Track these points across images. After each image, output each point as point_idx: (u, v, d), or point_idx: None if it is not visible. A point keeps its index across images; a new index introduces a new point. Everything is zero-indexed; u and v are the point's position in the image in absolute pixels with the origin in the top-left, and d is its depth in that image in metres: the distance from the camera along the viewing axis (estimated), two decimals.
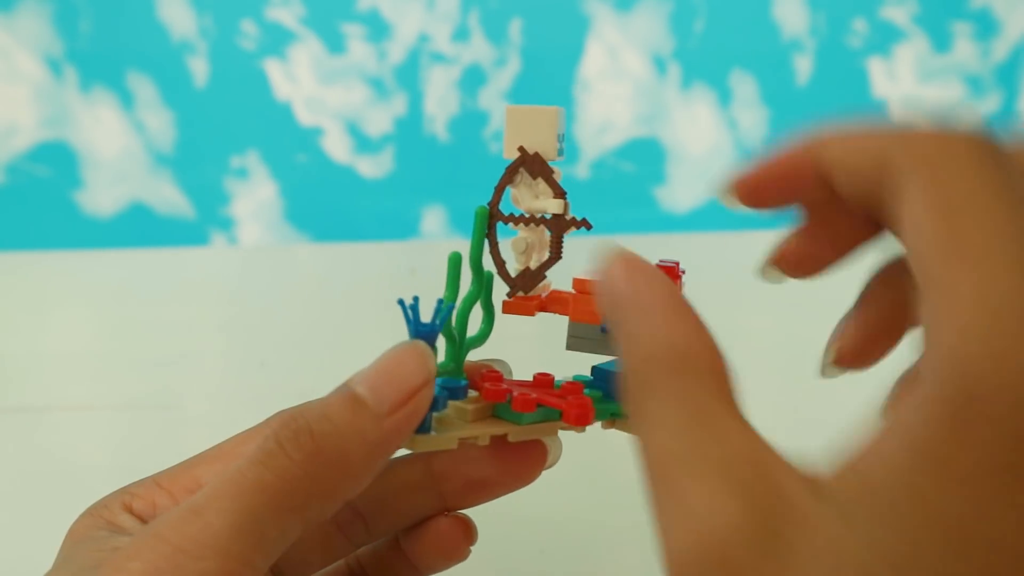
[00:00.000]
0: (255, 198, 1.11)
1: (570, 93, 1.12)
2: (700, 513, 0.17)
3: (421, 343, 0.24)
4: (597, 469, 0.45)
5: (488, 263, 0.29)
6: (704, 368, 0.19)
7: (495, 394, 0.26)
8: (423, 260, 1.02)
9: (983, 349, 0.16)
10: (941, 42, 1.15)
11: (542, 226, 0.29)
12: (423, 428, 0.25)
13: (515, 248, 0.29)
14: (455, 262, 0.28)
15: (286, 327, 0.77)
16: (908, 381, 0.22)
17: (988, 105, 1.16)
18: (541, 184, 0.29)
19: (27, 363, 0.69)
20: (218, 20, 1.07)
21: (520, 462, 0.27)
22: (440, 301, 0.26)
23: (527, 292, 0.28)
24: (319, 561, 0.28)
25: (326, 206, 1.12)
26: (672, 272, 0.28)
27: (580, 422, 0.26)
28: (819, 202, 0.23)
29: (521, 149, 0.28)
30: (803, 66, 1.14)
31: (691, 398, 0.19)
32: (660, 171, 1.15)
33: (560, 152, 0.29)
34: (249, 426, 0.28)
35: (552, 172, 0.28)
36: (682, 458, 0.18)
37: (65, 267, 1.00)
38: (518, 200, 0.29)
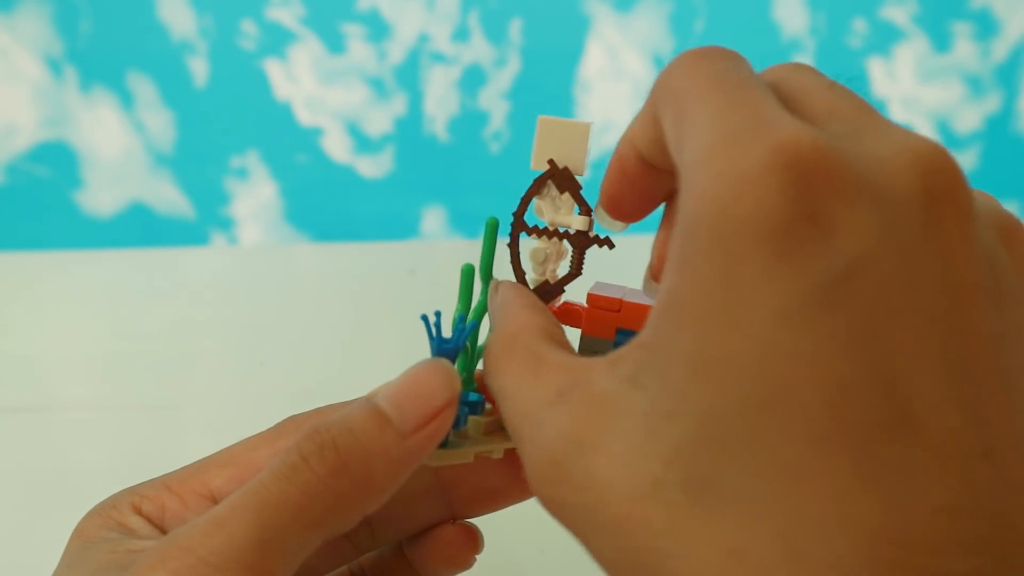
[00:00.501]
0: (255, 198, 1.11)
1: (570, 93, 1.12)
2: (540, 440, 0.20)
3: (446, 361, 0.24)
4: None
5: (502, 272, 0.29)
6: (538, 337, 0.23)
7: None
8: (423, 260, 1.02)
9: (701, 186, 0.18)
10: (941, 42, 1.15)
11: (563, 239, 0.29)
12: (443, 443, 0.25)
13: (534, 258, 0.29)
14: (468, 274, 0.28)
15: (286, 327, 0.77)
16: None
17: (988, 105, 1.16)
18: (566, 198, 0.29)
19: (27, 363, 0.69)
20: (218, 20, 1.07)
21: (522, 473, 0.27)
22: (462, 317, 0.26)
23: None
24: (324, 566, 0.28)
25: (326, 206, 1.12)
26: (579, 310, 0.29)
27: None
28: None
29: (551, 162, 0.28)
30: None
31: (529, 355, 0.23)
32: None
33: (587, 168, 0.29)
34: (248, 426, 0.28)
35: (580, 188, 0.28)
36: (524, 409, 0.22)
37: (65, 267, 1.00)
38: (541, 211, 0.29)
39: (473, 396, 0.27)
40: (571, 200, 0.28)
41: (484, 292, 0.28)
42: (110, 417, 0.58)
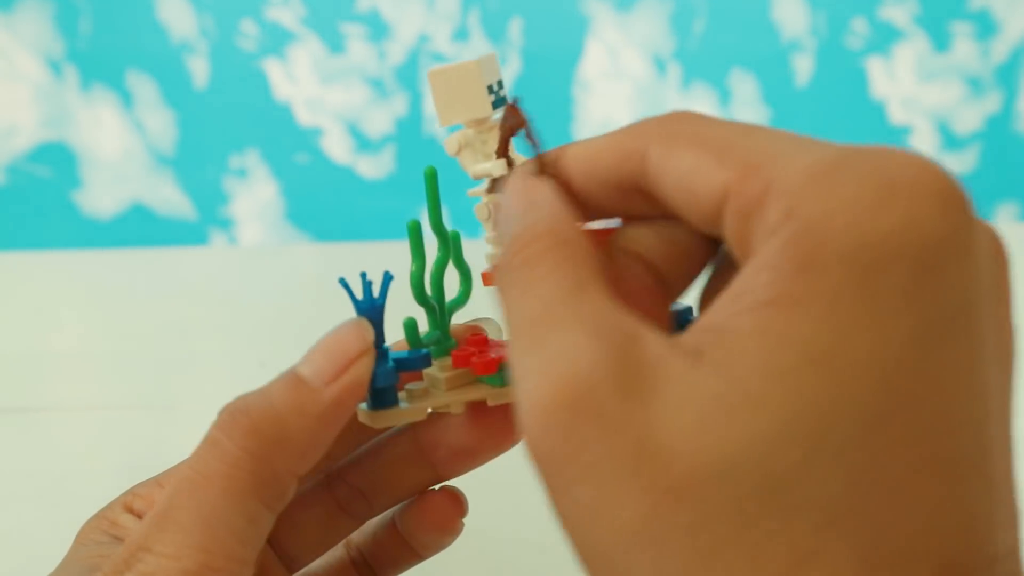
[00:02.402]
0: (255, 198, 1.11)
1: (570, 93, 1.12)
2: (563, 357, 0.17)
3: (360, 318, 0.25)
4: None
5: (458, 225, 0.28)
6: (582, 252, 0.20)
7: (464, 359, 0.26)
8: None
9: (822, 205, 0.17)
10: (941, 42, 1.15)
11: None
12: (388, 403, 0.25)
13: (478, 215, 0.27)
14: (415, 230, 0.27)
15: (286, 327, 0.77)
16: (717, 279, 0.22)
17: (988, 105, 1.16)
18: (489, 145, 0.27)
19: (27, 363, 0.69)
20: (218, 20, 1.07)
21: (497, 426, 0.27)
22: (385, 274, 0.26)
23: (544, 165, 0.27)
24: (325, 539, 0.29)
25: (326, 206, 1.12)
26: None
27: (484, 371, 0.26)
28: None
29: (515, 103, 0.25)
30: (803, 66, 1.14)
31: (571, 271, 0.19)
32: None
33: (497, 104, 0.27)
34: None
35: (522, 125, 0.25)
36: (551, 316, 0.18)
37: (65, 267, 1.00)
38: (464, 164, 0.27)
39: (416, 352, 0.26)
40: (494, 145, 0.27)
41: (440, 246, 0.27)
42: (110, 417, 0.58)
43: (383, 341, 0.26)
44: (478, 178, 0.27)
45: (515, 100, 0.25)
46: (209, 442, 0.23)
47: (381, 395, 0.25)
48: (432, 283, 0.28)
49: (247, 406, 0.23)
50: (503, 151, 0.26)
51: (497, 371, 0.26)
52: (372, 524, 0.29)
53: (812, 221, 0.17)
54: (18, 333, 0.77)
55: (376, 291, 0.26)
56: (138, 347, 0.72)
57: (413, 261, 0.27)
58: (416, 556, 0.29)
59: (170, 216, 1.10)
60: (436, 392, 0.26)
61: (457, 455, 0.27)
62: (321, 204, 1.12)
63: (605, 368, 0.17)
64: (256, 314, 0.82)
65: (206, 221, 1.11)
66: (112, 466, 0.52)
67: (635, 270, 0.22)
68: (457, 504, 0.28)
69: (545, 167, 0.23)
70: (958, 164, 1.17)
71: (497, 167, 0.26)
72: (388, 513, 0.29)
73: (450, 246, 0.28)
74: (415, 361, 0.26)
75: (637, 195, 0.22)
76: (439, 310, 0.28)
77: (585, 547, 0.18)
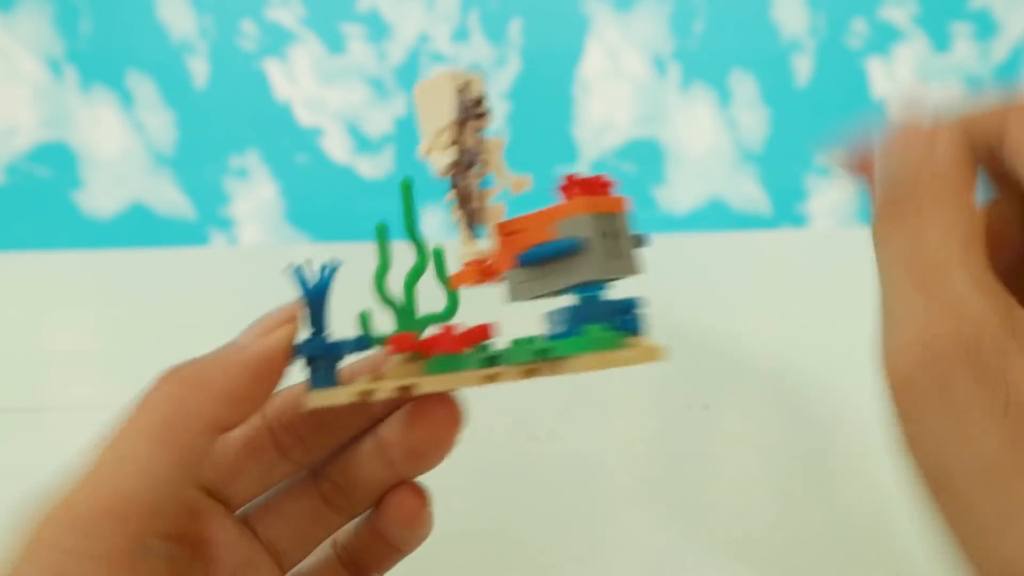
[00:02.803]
0: (255, 198, 1.11)
1: (570, 93, 1.12)
2: (956, 304, 0.20)
3: (292, 303, 0.27)
4: (598, 468, 0.45)
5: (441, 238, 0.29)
6: (974, 207, 0.22)
7: (395, 343, 0.27)
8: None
9: None
10: (941, 42, 1.15)
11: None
12: (325, 383, 0.26)
13: (452, 217, 0.29)
14: (381, 232, 0.29)
15: None
16: None
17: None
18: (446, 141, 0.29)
19: (27, 363, 0.69)
20: (218, 20, 1.07)
21: (433, 423, 0.27)
22: (331, 262, 0.29)
23: (470, 232, 0.28)
24: (314, 533, 0.29)
25: (326, 206, 1.12)
26: (600, 182, 0.27)
27: (399, 349, 0.26)
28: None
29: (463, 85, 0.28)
30: (803, 66, 1.14)
31: (965, 223, 0.21)
32: (659, 171, 1.15)
33: (466, 115, 0.29)
34: None
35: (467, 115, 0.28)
36: (947, 263, 0.20)
37: (65, 267, 1.00)
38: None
39: (360, 337, 0.27)
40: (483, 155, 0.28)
41: (418, 255, 0.28)
42: (110, 417, 0.58)
43: (324, 324, 0.28)
44: (444, 175, 0.29)
45: (463, 86, 0.28)
46: (140, 395, 0.26)
47: (317, 373, 0.27)
48: (405, 288, 0.29)
49: (175, 366, 0.26)
50: (456, 137, 0.28)
51: (432, 356, 0.26)
52: (355, 523, 0.30)
53: None
54: (18, 333, 0.77)
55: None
56: (138, 347, 0.72)
57: (379, 262, 0.29)
58: (396, 551, 0.29)
59: (170, 216, 1.10)
60: (376, 381, 0.27)
61: (407, 454, 0.28)
62: (321, 204, 1.12)
63: (992, 324, 0.20)
64: (256, 314, 0.82)
65: (206, 221, 1.11)
66: None
67: (1006, 244, 0.24)
68: (419, 497, 0.28)
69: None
70: None
71: (451, 153, 0.29)
72: (369, 511, 0.30)
73: (426, 256, 0.29)
74: (348, 344, 0.27)
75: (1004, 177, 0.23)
76: (408, 314, 0.28)
77: (933, 471, 0.20)
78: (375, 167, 1.12)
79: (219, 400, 0.24)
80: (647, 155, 1.15)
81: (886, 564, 0.37)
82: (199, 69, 1.07)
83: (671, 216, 1.16)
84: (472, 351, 0.26)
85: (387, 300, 0.29)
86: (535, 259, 0.26)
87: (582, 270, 0.26)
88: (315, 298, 0.28)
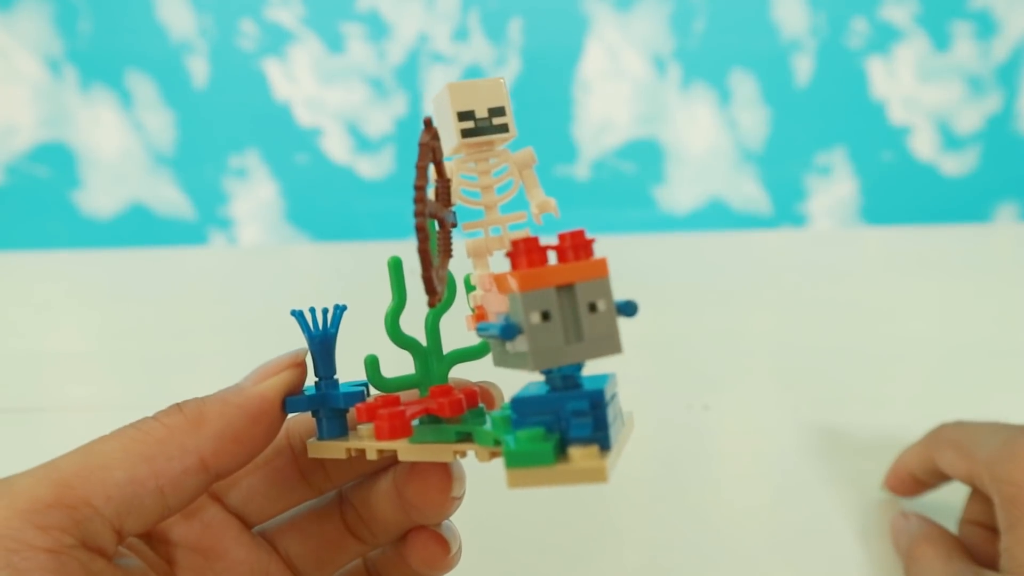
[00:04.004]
0: (255, 198, 1.11)
1: (570, 93, 1.12)
2: None
3: (301, 349, 0.26)
4: None
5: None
6: (950, 539, 0.36)
7: (364, 412, 0.26)
8: None
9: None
10: (941, 42, 1.15)
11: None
12: (334, 433, 0.26)
13: (467, 252, 0.26)
14: (396, 267, 0.27)
15: (286, 327, 0.77)
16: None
17: (988, 105, 1.16)
18: (483, 167, 0.26)
19: (27, 363, 0.69)
20: (218, 20, 1.07)
21: (426, 484, 0.27)
22: (337, 306, 0.27)
23: (432, 294, 0.23)
24: (335, 559, 0.29)
25: (326, 206, 1.12)
26: (572, 243, 0.22)
27: (392, 435, 0.24)
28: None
29: (425, 124, 0.23)
30: (803, 66, 1.14)
31: (943, 551, 0.36)
32: (660, 171, 1.15)
33: (492, 129, 0.25)
34: None
35: (431, 158, 0.23)
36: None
37: (65, 267, 1.00)
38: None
39: (353, 388, 0.26)
40: (487, 178, 0.25)
41: (447, 288, 0.26)
42: (110, 417, 0.58)
43: (334, 370, 0.26)
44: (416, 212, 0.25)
45: (425, 122, 0.24)
46: (142, 420, 0.25)
47: (322, 425, 0.26)
48: (427, 328, 0.27)
49: (182, 402, 0.25)
50: (421, 180, 0.24)
51: (420, 423, 0.25)
52: None
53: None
54: (18, 333, 0.77)
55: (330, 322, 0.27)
56: (138, 347, 0.72)
57: (393, 297, 0.26)
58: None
59: (170, 216, 1.10)
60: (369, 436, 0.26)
61: (409, 507, 0.28)
62: (321, 204, 1.12)
63: None
64: (256, 314, 0.82)
65: (205, 221, 1.11)
66: None
67: (977, 533, 0.36)
68: (439, 544, 0.28)
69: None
70: (958, 164, 1.17)
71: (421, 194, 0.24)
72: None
73: (454, 288, 0.26)
74: (340, 398, 0.26)
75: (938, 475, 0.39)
76: (432, 354, 0.27)
77: None
78: (375, 167, 1.12)
79: (212, 439, 0.24)
80: (647, 155, 1.15)
81: (886, 564, 0.37)
82: (199, 69, 1.07)
83: (671, 216, 1.16)
84: (462, 417, 0.24)
85: (404, 341, 0.26)
86: (483, 335, 0.23)
87: (523, 360, 0.21)
88: (320, 343, 0.27)
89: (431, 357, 0.27)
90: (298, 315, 0.26)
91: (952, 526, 0.37)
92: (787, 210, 1.17)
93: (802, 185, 1.16)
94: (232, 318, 0.81)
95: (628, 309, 0.22)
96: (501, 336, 0.21)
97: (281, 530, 0.29)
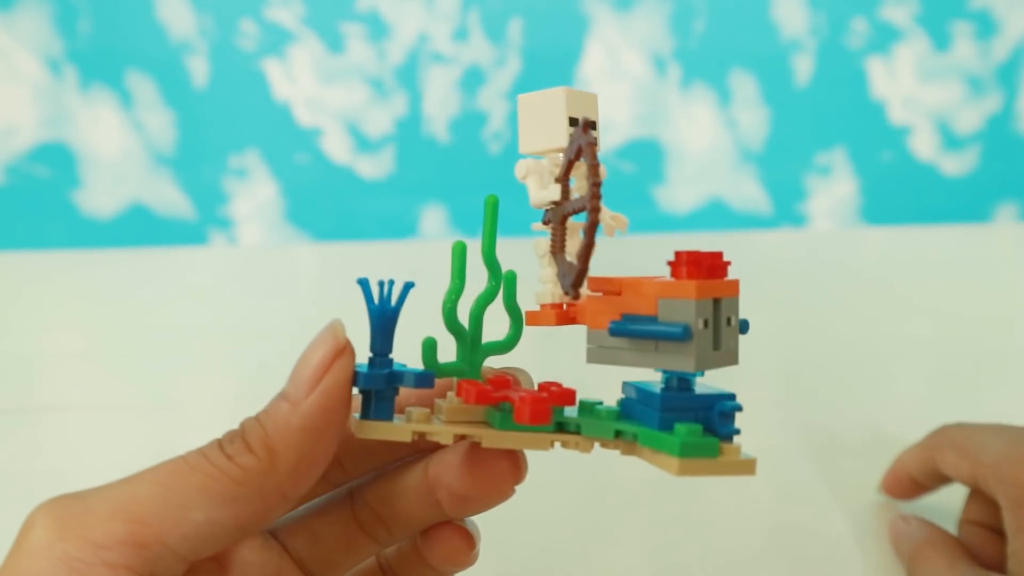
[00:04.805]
0: (255, 198, 1.11)
1: None
2: None
3: (334, 322, 0.24)
4: (596, 469, 0.45)
5: (507, 260, 0.26)
6: (951, 542, 0.37)
7: (463, 391, 0.24)
8: (423, 260, 1.02)
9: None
10: (941, 42, 1.15)
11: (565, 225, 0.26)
12: (380, 416, 0.24)
13: (536, 251, 0.26)
14: (460, 252, 0.25)
15: (286, 327, 0.77)
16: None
17: (988, 105, 1.16)
18: (549, 175, 0.26)
19: (27, 363, 0.69)
20: (218, 20, 1.07)
21: (493, 474, 0.26)
22: (406, 283, 0.25)
23: (575, 290, 0.25)
24: (347, 560, 0.28)
25: (326, 206, 1.12)
26: (717, 262, 0.25)
27: (534, 420, 0.24)
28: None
29: (583, 126, 0.25)
30: (803, 66, 1.14)
31: (946, 555, 0.36)
32: (660, 171, 1.15)
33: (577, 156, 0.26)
34: None
35: (592, 144, 0.25)
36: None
37: (65, 267, 1.00)
38: (530, 193, 0.26)
39: (420, 370, 0.25)
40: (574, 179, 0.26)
41: (489, 278, 0.25)
42: (110, 417, 0.58)
43: (390, 348, 0.25)
44: (538, 206, 0.26)
45: (584, 123, 0.25)
46: (209, 446, 0.23)
47: (376, 407, 0.24)
48: (472, 316, 0.26)
49: (243, 428, 0.23)
50: (564, 176, 0.25)
51: (497, 410, 0.24)
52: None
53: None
54: (18, 333, 0.77)
55: (395, 297, 0.25)
56: (138, 347, 0.72)
57: (451, 282, 0.25)
58: (437, 573, 0.29)
59: (170, 216, 1.10)
60: (435, 421, 0.25)
61: (455, 498, 0.27)
62: (321, 204, 1.12)
63: None
64: (256, 314, 0.82)
65: (206, 221, 1.11)
66: (112, 466, 0.52)
67: (978, 533, 0.36)
68: (467, 540, 0.28)
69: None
70: (958, 164, 1.17)
71: (552, 192, 0.25)
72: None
73: (501, 280, 0.26)
74: (410, 377, 0.24)
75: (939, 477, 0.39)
76: (470, 343, 0.26)
77: None
78: (375, 167, 1.12)
79: (289, 475, 0.23)
80: (647, 155, 1.15)
81: (885, 565, 0.37)
82: (199, 69, 1.07)
83: (671, 216, 1.16)
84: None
85: (456, 328, 0.26)
86: (629, 333, 0.24)
87: (678, 360, 0.23)
88: (383, 318, 0.25)
89: (473, 347, 0.26)
90: (364, 284, 0.24)
91: (949, 527, 0.37)
92: (787, 210, 1.17)
93: (802, 185, 1.16)
94: (233, 318, 0.81)
95: (744, 327, 0.25)
96: (680, 337, 0.23)
97: (291, 530, 0.28)
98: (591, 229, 0.23)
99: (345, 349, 0.23)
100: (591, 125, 0.24)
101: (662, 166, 1.15)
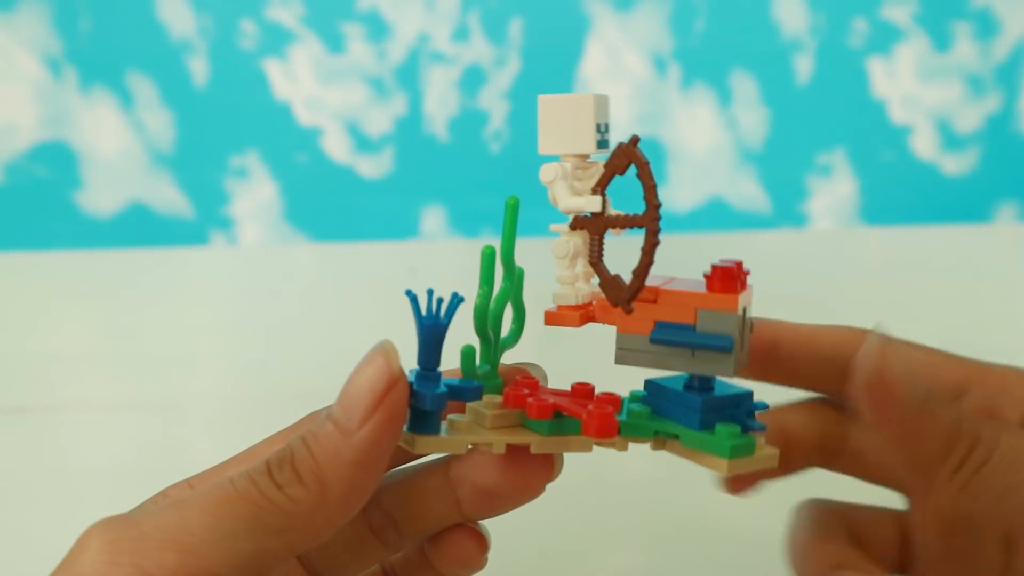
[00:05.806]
0: (255, 198, 1.11)
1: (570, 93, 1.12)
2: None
3: (386, 343, 0.23)
4: (597, 470, 0.45)
5: (525, 260, 0.26)
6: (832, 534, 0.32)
7: (517, 399, 0.25)
8: (423, 260, 1.02)
9: None
10: (941, 42, 1.15)
11: (586, 231, 0.26)
12: (430, 429, 0.25)
13: (556, 252, 0.26)
14: (489, 257, 0.25)
15: (286, 327, 0.77)
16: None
17: (988, 105, 1.16)
18: (581, 182, 0.26)
19: (27, 363, 0.69)
20: (218, 20, 1.07)
21: (528, 473, 0.26)
22: (454, 295, 0.24)
23: (629, 305, 0.26)
24: (354, 564, 0.28)
25: (326, 206, 1.12)
26: (743, 273, 0.27)
27: (601, 434, 0.24)
28: None
29: (633, 141, 0.26)
30: (803, 66, 1.14)
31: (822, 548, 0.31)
32: (660, 171, 1.15)
33: (601, 144, 0.27)
34: (248, 425, 0.28)
35: (644, 162, 0.26)
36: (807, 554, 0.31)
37: (65, 267, 1.00)
38: (554, 199, 0.26)
39: (475, 383, 0.25)
40: (588, 184, 0.26)
41: (506, 278, 0.25)
42: (110, 417, 0.58)
43: (438, 363, 0.25)
44: (568, 212, 0.26)
45: (633, 139, 0.26)
46: (258, 471, 0.23)
47: (424, 419, 0.25)
48: (491, 316, 0.26)
49: (292, 453, 0.23)
50: (603, 187, 0.26)
51: (551, 418, 0.25)
52: None
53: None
54: (18, 333, 0.77)
55: (443, 310, 0.25)
56: (138, 347, 0.72)
57: (480, 287, 0.25)
58: None
59: (170, 216, 1.10)
60: (479, 428, 0.25)
61: (482, 496, 0.26)
62: (321, 204, 1.12)
63: None
64: (256, 314, 0.82)
65: (206, 221, 1.11)
66: (112, 466, 0.52)
67: (867, 515, 0.32)
68: (479, 543, 0.28)
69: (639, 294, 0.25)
70: (958, 164, 1.17)
71: (592, 203, 0.26)
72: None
73: (515, 282, 0.26)
74: (468, 392, 0.25)
75: (842, 375, 0.27)
76: (494, 344, 0.26)
77: None
78: (375, 167, 1.12)
79: (339, 507, 0.23)
80: (647, 154, 1.15)
81: None
82: (199, 69, 1.07)
83: (672, 216, 1.16)
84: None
85: (485, 332, 0.26)
86: (672, 343, 0.25)
87: (717, 367, 0.25)
88: (431, 331, 0.24)
89: (495, 349, 0.27)
90: (412, 297, 0.24)
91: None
92: (787, 210, 1.17)
93: (802, 185, 1.16)
94: (233, 318, 0.81)
95: (753, 327, 0.27)
96: (725, 348, 0.25)
97: None
98: (650, 250, 0.25)
99: (399, 380, 0.23)
100: (635, 141, 0.26)
101: (662, 166, 1.15)
